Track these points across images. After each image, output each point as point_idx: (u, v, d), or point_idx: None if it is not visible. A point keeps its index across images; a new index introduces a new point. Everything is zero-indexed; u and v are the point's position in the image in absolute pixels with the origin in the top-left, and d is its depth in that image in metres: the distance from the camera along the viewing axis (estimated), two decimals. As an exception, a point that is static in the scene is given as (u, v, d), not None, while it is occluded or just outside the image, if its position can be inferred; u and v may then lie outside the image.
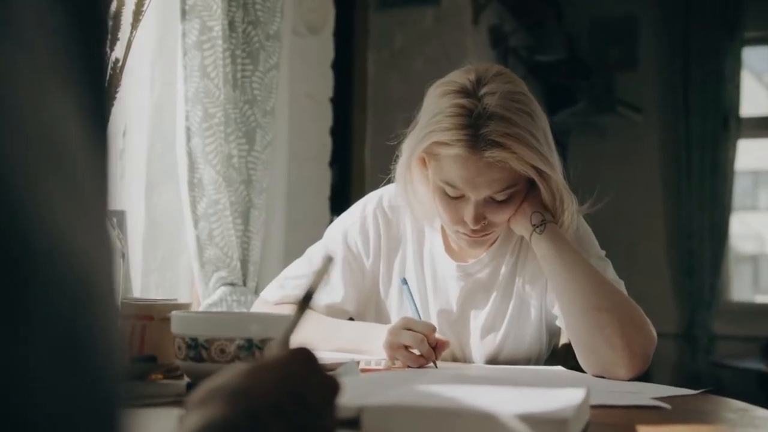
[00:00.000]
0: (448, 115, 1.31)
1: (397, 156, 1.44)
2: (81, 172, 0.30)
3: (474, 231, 1.37)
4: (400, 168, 1.43)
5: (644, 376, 1.31)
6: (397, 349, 1.31)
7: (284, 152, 2.53)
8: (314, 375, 0.59)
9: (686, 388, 1.17)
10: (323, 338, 1.43)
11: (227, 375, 0.56)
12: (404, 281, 1.47)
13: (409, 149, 1.38)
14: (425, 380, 0.87)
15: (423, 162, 1.41)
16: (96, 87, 0.33)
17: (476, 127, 1.29)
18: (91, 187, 0.31)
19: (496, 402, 0.75)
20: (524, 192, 1.39)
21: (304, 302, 0.67)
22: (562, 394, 0.81)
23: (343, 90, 3.39)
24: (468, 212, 1.35)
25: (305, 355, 0.60)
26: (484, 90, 1.31)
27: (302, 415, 0.56)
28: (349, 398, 0.76)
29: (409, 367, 1.30)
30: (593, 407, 0.95)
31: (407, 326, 1.31)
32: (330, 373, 0.61)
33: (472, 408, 0.72)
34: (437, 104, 1.34)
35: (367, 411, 0.72)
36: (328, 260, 0.69)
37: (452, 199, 1.36)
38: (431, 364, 1.32)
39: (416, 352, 1.30)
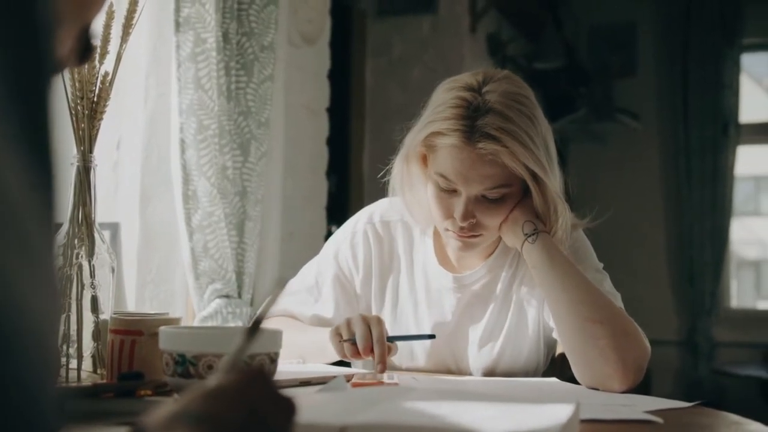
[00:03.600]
0: (449, 106, 1.33)
1: (399, 150, 1.44)
2: (26, 226, 0.30)
3: (461, 229, 1.37)
4: (398, 160, 1.43)
5: (644, 385, 1.30)
6: (335, 335, 1.33)
7: (280, 163, 2.52)
8: (273, 397, 0.59)
9: (688, 395, 1.16)
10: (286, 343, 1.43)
11: (188, 399, 0.56)
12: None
13: (409, 140, 1.40)
14: (412, 397, 0.86)
15: (423, 160, 1.41)
16: (39, 139, 0.33)
17: (473, 119, 1.31)
18: (36, 239, 0.31)
19: (482, 419, 0.74)
20: (517, 197, 1.38)
21: (254, 327, 0.67)
22: (550, 411, 0.80)
23: (341, 99, 3.39)
24: (458, 208, 1.35)
25: (262, 377, 0.60)
26: (487, 87, 1.33)
27: None
28: (332, 416, 0.75)
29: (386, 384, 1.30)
30: (584, 421, 0.94)
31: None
32: (284, 393, 0.61)
33: (455, 426, 0.71)
34: (441, 98, 1.36)
35: (349, 430, 0.71)
36: (281, 282, 0.69)
37: (444, 193, 1.37)
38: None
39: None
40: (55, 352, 0.32)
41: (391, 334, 1.48)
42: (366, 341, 1.29)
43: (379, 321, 1.32)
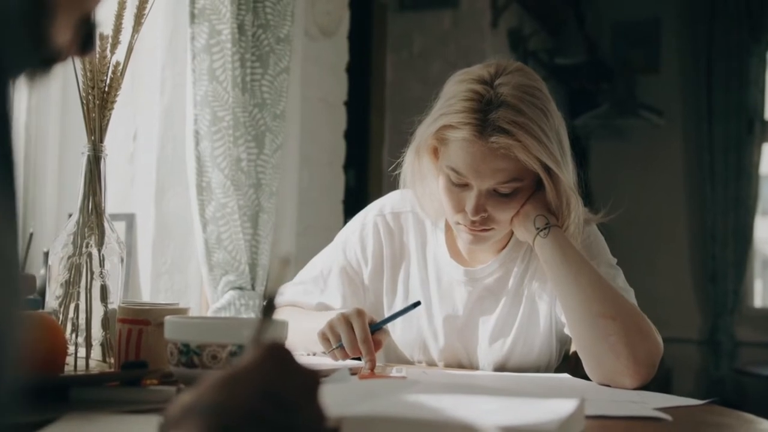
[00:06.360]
0: (461, 99, 1.31)
1: (410, 142, 1.42)
2: None
3: (473, 223, 1.35)
4: (409, 153, 1.42)
5: (665, 384, 1.28)
6: (324, 340, 1.32)
7: (295, 156, 2.52)
8: (289, 371, 0.57)
9: (709, 395, 1.14)
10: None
11: (199, 389, 0.54)
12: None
13: (420, 132, 1.38)
14: (413, 390, 0.85)
15: (435, 153, 1.40)
16: None
17: (486, 112, 1.29)
18: None
19: (483, 413, 0.73)
20: (529, 191, 1.36)
21: (267, 308, 0.65)
22: (553, 406, 0.78)
23: (360, 93, 3.38)
24: (469, 202, 1.33)
25: (277, 352, 0.58)
26: (500, 80, 1.31)
27: (281, 416, 0.53)
28: (332, 407, 0.74)
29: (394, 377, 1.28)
30: (591, 418, 0.92)
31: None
32: (307, 365, 0.58)
33: (455, 419, 0.70)
34: (453, 90, 1.34)
35: (346, 421, 0.70)
36: (285, 262, 0.67)
37: (456, 187, 1.35)
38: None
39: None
40: (10, 346, 0.32)
41: (401, 323, 1.46)
42: (352, 344, 1.28)
43: (359, 315, 1.30)
